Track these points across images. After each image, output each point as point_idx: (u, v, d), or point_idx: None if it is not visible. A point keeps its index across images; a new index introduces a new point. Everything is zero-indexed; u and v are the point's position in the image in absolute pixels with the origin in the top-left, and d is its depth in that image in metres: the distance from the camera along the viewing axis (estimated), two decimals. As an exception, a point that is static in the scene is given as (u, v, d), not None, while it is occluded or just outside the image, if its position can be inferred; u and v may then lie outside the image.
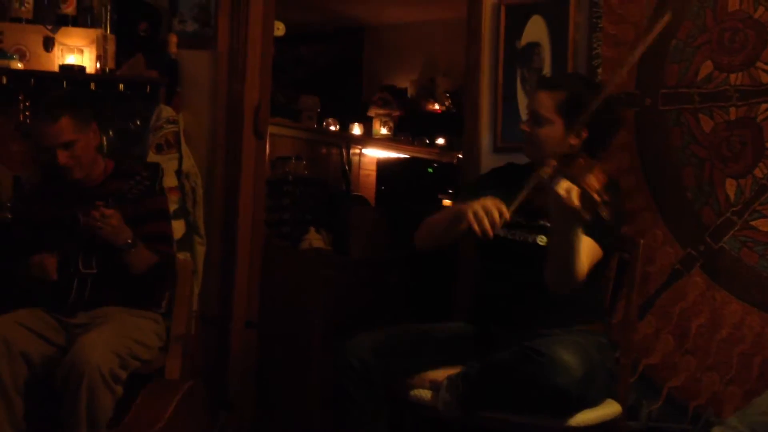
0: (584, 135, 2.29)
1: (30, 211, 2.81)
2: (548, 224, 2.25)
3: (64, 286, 2.61)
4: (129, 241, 2.56)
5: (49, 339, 2.55)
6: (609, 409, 2.24)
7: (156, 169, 2.57)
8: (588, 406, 2.14)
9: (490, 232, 2.09)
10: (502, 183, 2.37)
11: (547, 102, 2.31)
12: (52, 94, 2.88)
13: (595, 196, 1.91)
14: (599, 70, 2.83)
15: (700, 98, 2.68)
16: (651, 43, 2.03)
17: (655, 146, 2.74)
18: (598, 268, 2.29)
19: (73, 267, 2.61)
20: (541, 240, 2.30)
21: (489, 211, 2.09)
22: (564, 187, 1.95)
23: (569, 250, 2.08)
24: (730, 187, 2.64)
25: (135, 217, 2.59)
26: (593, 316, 2.37)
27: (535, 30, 2.99)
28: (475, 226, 2.09)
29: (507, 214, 2.10)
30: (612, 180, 2.19)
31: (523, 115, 2.98)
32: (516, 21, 3.02)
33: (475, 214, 2.09)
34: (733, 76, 2.64)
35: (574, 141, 2.25)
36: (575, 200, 1.92)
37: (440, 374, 2.27)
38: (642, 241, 2.48)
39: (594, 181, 2.03)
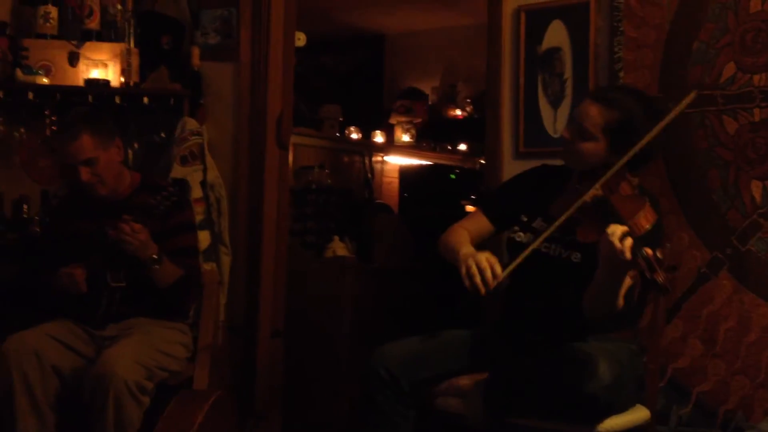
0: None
1: (58, 225, 2.84)
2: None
3: (93, 298, 2.63)
4: (154, 256, 2.57)
5: (79, 351, 2.58)
6: (638, 414, 2.23)
7: (184, 184, 2.57)
8: (617, 412, 2.13)
9: (482, 291, 2.09)
10: (536, 186, 2.35)
11: (596, 118, 2.19)
12: (73, 110, 2.88)
13: (648, 252, 1.82)
14: (621, 74, 2.82)
15: (724, 100, 2.66)
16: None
17: (679, 149, 2.72)
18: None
19: (102, 280, 2.63)
20: (576, 257, 2.25)
21: (482, 270, 2.09)
22: (617, 234, 1.86)
23: (614, 293, 2.03)
24: (756, 189, 2.61)
25: (161, 232, 2.60)
26: (624, 326, 2.35)
27: (556, 35, 2.99)
28: (466, 282, 2.11)
29: (500, 276, 2.09)
30: (659, 218, 2.10)
31: (546, 120, 2.99)
32: (536, 26, 3.02)
33: (468, 270, 2.10)
34: (756, 77, 2.62)
35: (615, 159, 2.15)
36: (627, 254, 1.84)
37: (467, 381, 2.26)
38: (668, 244, 2.47)
39: (643, 222, 1.95)
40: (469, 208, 4.91)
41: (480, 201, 2.49)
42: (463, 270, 2.12)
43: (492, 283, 2.09)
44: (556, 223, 2.07)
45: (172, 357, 2.63)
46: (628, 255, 1.83)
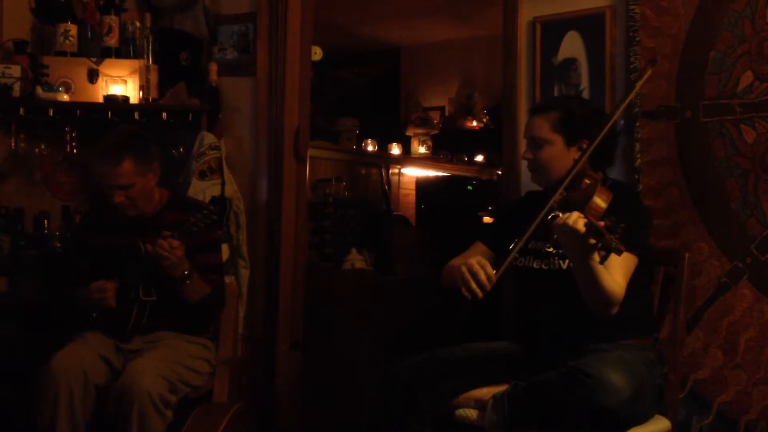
0: (584, 146, 2.34)
1: (84, 241, 2.85)
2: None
3: (123, 312, 2.65)
4: (186, 272, 2.60)
5: (111, 364, 2.60)
6: (658, 425, 2.21)
7: (224, 204, 2.58)
8: (637, 423, 2.12)
9: (479, 294, 2.14)
10: (523, 212, 2.37)
11: (541, 125, 2.38)
12: (117, 129, 2.83)
13: (598, 224, 1.93)
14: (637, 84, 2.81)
15: (742, 109, 2.65)
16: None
17: (697, 158, 2.72)
18: (639, 276, 2.28)
19: (134, 294, 2.65)
20: None
21: (475, 274, 2.14)
22: (564, 217, 1.98)
23: (592, 276, 2.08)
24: (775, 197, 2.60)
25: (189, 248, 2.61)
26: (641, 331, 2.35)
27: (572, 45, 2.99)
28: (463, 290, 2.15)
29: (494, 277, 2.14)
30: (618, 193, 2.21)
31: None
32: (552, 37, 3.02)
33: (462, 277, 2.15)
34: (774, 86, 2.61)
35: (575, 155, 2.34)
36: (581, 228, 1.95)
37: (486, 393, 2.26)
38: (687, 254, 2.46)
39: (600, 202, 2.07)
40: (487, 219, 4.92)
41: (478, 233, 2.57)
42: (458, 278, 2.16)
43: (487, 285, 2.14)
44: (531, 227, 2.18)
45: (196, 372, 2.65)
46: (581, 228, 1.94)
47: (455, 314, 2.19)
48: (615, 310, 2.15)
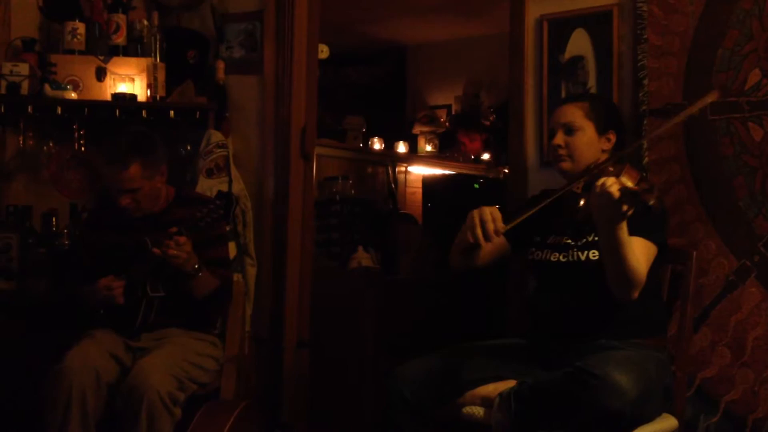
0: (613, 138, 2.39)
1: (91, 238, 2.86)
2: (596, 239, 2.25)
3: (131, 309, 2.65)
4: (196, 266, 2.60)
5: (121, 361, 2.60)
6: (665, 423, 2.21)
7: (230, 199, 2.58)
8: (644, 422, 2.11)
9: (482, 242, 2.17)
10: (540, 208, 2.37)
11: (575, 111, 2.41)
12: (125, 131, 2.78)
13: (634, 186, 1.93)
14: (645, 82, 2.81)
15: (750, 107, 2.65)
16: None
17: (705, 156, 2.71)
18: (656, 273, 2.28)
19: (141, 291, 2.65)
20: (594, 254, 2.29)
21: (485, 221, 2.16)
22: (601, 182, 1.97)
23: (621, 249, 2.06)
24: (783, 195, 2.59)
25: (197, 243, 2.61)
26: (655, 330, 2.34)
27: (579, 43, 2.98)
28: (469, 236, 2.18)
29: (502, 229, 2.17)
30: (645, 175, 2.27)
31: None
32: (559, 35, 3.02)
33: (471, 221, 2.18)
34: (782, 84, 2.61)
35: (606, 146, 2.40)
36: (615, 193, 1.94)
37: (492, 390, 2.26)
38: (695, 252, 2.46)
39: (627, 178, 2.06)
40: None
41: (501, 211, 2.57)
42: (468, 221, 2.19)
43: (492, 235, 2.16)
44: (555, 196, 2.22)
45: (203, 369, 2.65)
46: (615, 192, 1.93)
47: None
48: (636, 294, 2.14)
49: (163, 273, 2.61)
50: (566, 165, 2.41)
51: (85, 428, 2.42)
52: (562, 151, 2.41)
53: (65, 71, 3.39)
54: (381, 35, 6.46)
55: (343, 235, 4.30)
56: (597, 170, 2.16)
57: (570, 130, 2.40)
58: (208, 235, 2.68)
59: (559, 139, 2.41)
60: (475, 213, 2.19)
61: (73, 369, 2.44)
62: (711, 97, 2.34)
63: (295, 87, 3.44)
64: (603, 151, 2.39)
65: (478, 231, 2.16)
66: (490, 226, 2.16)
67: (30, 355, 2.94)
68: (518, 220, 2.20)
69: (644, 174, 2.28)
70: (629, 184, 2.00)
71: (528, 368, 2.28)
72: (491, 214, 2.17)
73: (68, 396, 2.41)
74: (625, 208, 1.94)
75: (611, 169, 2.14)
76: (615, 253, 2.08)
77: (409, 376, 2.28)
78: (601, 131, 2.39)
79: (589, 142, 2.39)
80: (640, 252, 2.14)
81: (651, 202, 1.90)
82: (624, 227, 2.03)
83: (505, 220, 2.22)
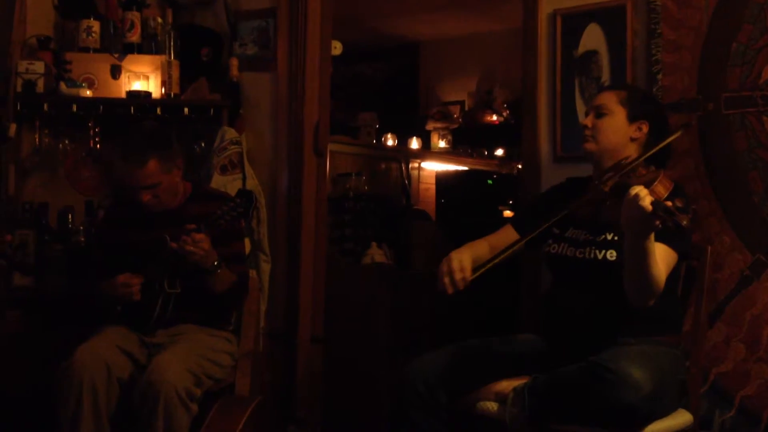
0: (645, 129, 2.36)
1: (108, 235, 2.87)
2: (616, 238, 2.24)
3: (147, 305, 2.66)
4: (215, 263, 2.60)
5: (135, 358, 2.61)
6: (680, 419, 2.21)
7: (251, 197, 2.57)
8: (658, 417, 2.11)
9: (449, 290, 2.20)
10: (563, 199, 2.37)
11: (610, 96, 2.42)
12: (138, 129, 2.80)
13: (668, 203, 1.87)
14: (659, 76, 2.80)
15: (764, 101, 2.63)
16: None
17: (719, 151, 2.70)
18: (674, 274, 2.26)
19: (159, 287, 2.65)
20: (611, 255, 2.26)
21: (452, 271, 2.20)
22: (635, 191, 1.93)
23: (645, 260, 2.02)
24: (798, 190, 2.58)
25: (214, 239, 2.60)
26: (670, 329, 2.33)
27: (592, 38, 2.98)
28: (439, 284, 2.22)
29: (468, 280, 2.20)
30: (678, 185, 2.23)
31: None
32: (572, 30, 3.01)
33: (440, 270, 2.22)
34: (797, 78, 2.59)
35: (635, 134, 2.37)
36: (648, 207, 1.89)
37: (506, 386, 2.26)
38: (709, 247, 2.45)
39: (661, 189, 2.02)
40: (507, 213, 4.90)
41: (511, 217, 2.59)
42: (438, 269, 2.23)
43: (460, 284, 2.20)
44: (565, 212, 2.23)
45: (219, 365, 2.66)
46: (648, 206, 1.89)
47: None
48: (651, 302, 2.12)
49: (181, 269, 2.62)
50: (590, 146, 2.41)
51: (98, 423, 2.44)
52: (587, 132, 2.42)
53: (80, 69, 3.42)
54: (394, 31, 6.46)
55: (356, 232, 4.30)
56: (627, 170, 2.14)
57: (600, 113, 2.41)
58: (227, 231, 2.69)
59: (588, 120, 2.43)
60: (444, 262, 2.22)
61: (83, 363, 2.45)
62: (677, 135, 2.40)
63: (308, 83, 3.45)
64: (632, 139, 2.37)
65: (446, 280, 2.20)
66: (458, 276, 2.19)
67: (45, 350, 2.97)
68: (487, 267, 2.23)
69: (678, 185, 2.23)
70: (662, 194, 1.97)
71: (542, 364, 2.27)
72: (460, 262, 2.20)
73: (79, 390, 2.42)
74: (657, 223, 1.90)
75: (643, 172, 2.12)
76: (638, 261, 2.04)
77: (422, 371, 2.28)
78: (632, 119, 2.37)
79: (616, 127, 2.38)
80: (661, 260, 2.10)
81: (684, 223, 1.85)
82: (651, 237, 2.00)
83: (524, 222, 2.20)
